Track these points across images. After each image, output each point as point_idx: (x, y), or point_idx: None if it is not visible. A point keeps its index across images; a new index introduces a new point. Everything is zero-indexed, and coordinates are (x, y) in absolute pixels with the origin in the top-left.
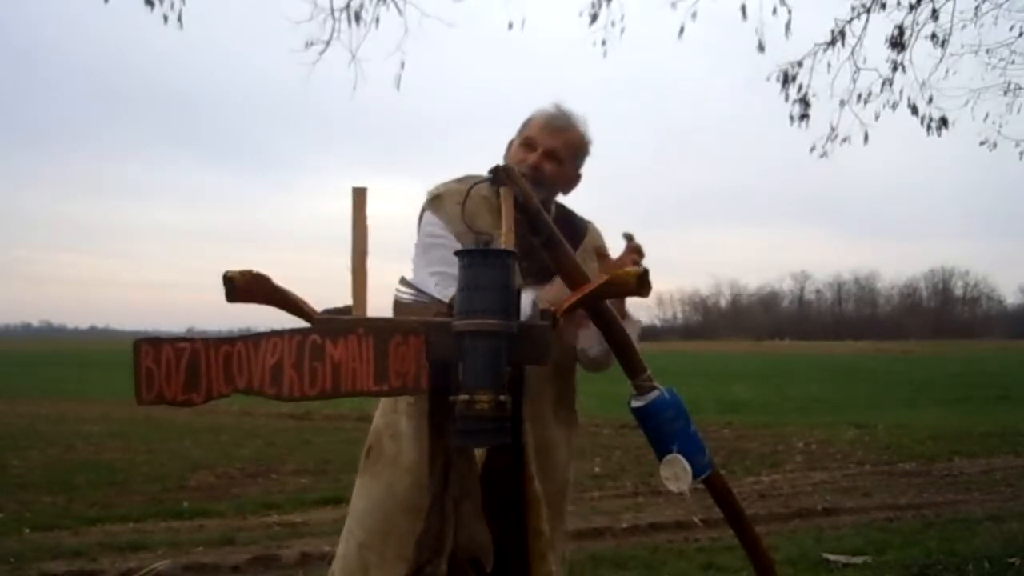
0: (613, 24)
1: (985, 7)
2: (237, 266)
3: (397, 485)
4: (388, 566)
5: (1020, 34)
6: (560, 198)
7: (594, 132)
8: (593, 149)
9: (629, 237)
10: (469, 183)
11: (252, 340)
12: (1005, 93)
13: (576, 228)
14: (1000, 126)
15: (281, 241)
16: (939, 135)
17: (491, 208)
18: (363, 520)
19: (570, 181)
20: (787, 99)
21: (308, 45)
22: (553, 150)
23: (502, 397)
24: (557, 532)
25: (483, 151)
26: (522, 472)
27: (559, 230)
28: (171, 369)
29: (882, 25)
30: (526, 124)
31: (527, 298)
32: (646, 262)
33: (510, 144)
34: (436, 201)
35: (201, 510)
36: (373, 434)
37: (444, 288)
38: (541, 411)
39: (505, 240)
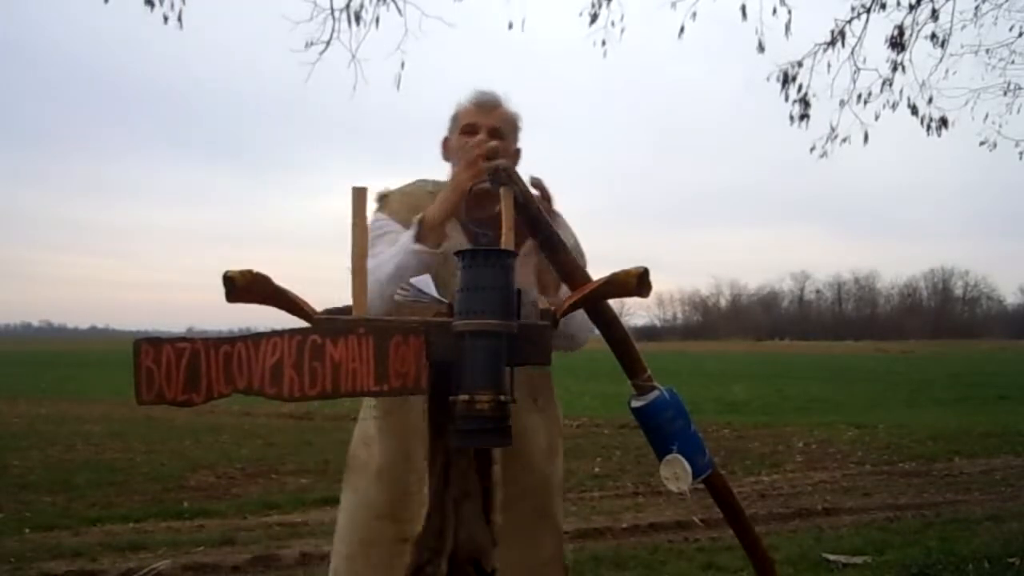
0: (613, 24)
1: (985, 7)
2: (237, 266)
3: (371, 491)
4: (376, 574)
5: (1020, 34)
6: None
7: (599, 130)
8: (522, 124)
9: (536, 183)
10: (416, 186)
11: (252, 340)
12: (1005, 93)
13: None
14: (1000, 126)
15: (281, 241)
16: (939, 135)
17: (433, 201)
18: (344, 535)
19: (515, 156)
20: (787, 99)
21: (308, 45)
22: (494, 128)
23: (502, 397)
24: (543, 530)
25: None
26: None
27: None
28: (171, 369)
29: (882, 25)
30: (455, 115)
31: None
32: (645, 262)
33: (445, 142)
34: (382, 200)
35: (201, 510)
36: (351, 449)
37: (375, 271)
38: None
39: (505, 240)
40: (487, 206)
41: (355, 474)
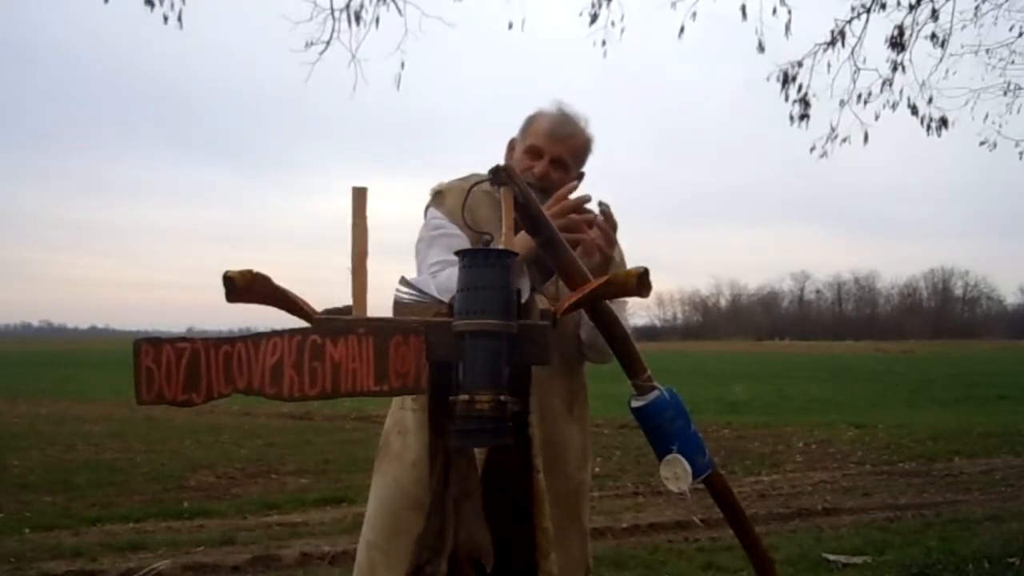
0: (613, 24)
1: (985, 7)
2: (237, 266)
3: (403, 480)
4: (394, 564)
5: (1020, 34)
6: None
7: (594, 132)
8: (595, 146)
9: (605, 210)
10: (471, 181)
11: (252, 340)
12: (1005, 93)
13: None
14: (1000, 126)
15: (281, 241)
16: (939, 135)
17: (492, 203)
18: (372, 520)
19: (578, 180)
20: (787, 99)
21: (308, 45)
22: (559, 158)
23: (502, 397)
24: (571, 533)
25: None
26: (528, 467)
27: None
28: (171, 369)
29: (882, 25)
30: (528, 127)
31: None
32: (645, 262)
33: (511, 144)
34: (438, 197)
35: (201, 510)
36: (384, 434)
37: (438, 274)
38: (550, 406)
39: (505, 240)
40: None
41: (388, 460)
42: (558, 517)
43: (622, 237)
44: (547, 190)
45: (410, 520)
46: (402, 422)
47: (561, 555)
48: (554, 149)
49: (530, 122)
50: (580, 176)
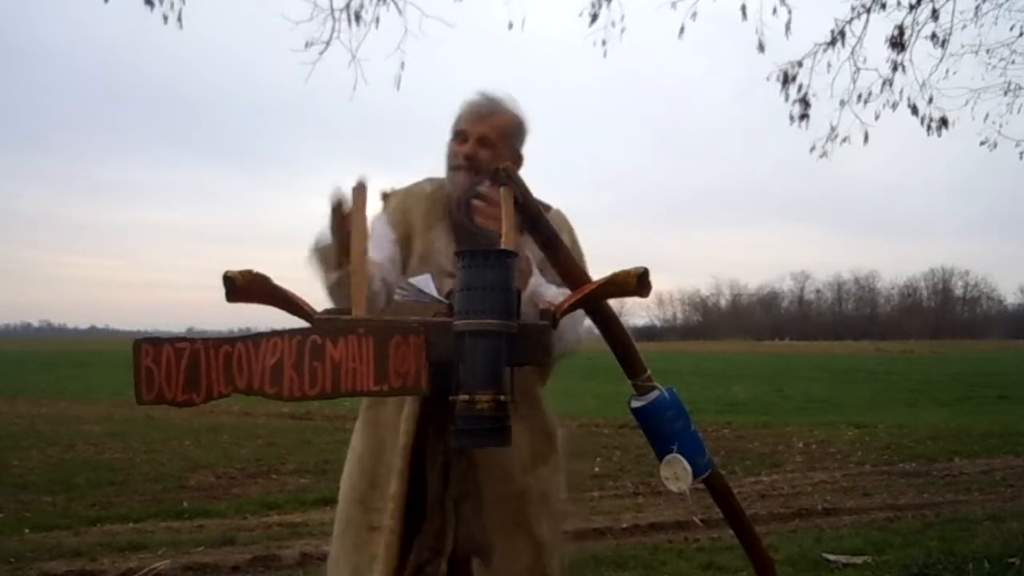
0: (613, 24)
1: (985, 7)
2: (237, 266)
3: (352, 476)
4: (347, 557)
5: (1020, 34)
6: None
7: (599, 130)
8: (528, 126)
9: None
10: (421, 185)
11: (252, 340)
12: (1005, 93)
13: None
14: (1000, 126)
15: (281, 241)
16: (939, 135)
17: (429, 204)
18: (336, 517)
19: (517, 161)
20: (787, 99)
21: (308, 45)
22: (484, 136)
23: (502, 397)
24: (518, 540)
25: None
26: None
27: None
28: (171, 369)
29: (882, 25)
30: (455, 119)
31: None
32: (645, 262)
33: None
34: (384, 201)
35: (201, 510)
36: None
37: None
38: None
39: (505, 240)
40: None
41: (348, 460)
42: (501, 522)
43: (623, 235)
44: (477, 169)
45: (354, 514)
46: (358, 423)
47: (504, 563)
48: (476, 128)
49: (457, 114)
50: (519, 159)
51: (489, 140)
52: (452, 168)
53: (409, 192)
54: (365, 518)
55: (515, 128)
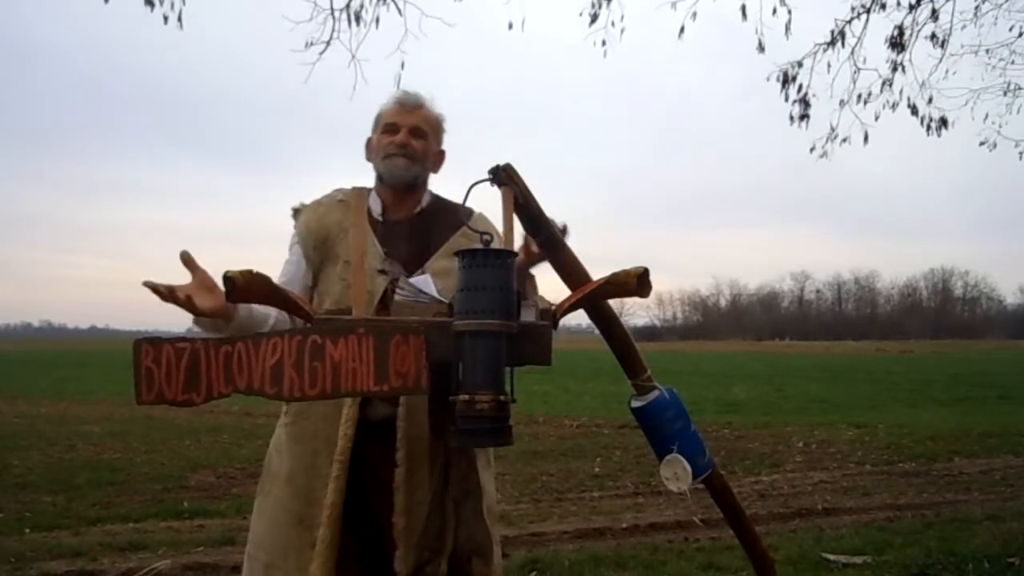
0: (613, 24)
1: (985, 7)
2: (237, 266)
3: (283, 498)
4: None
5: (1020, 34)
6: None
7: (599, 130)
8: (447, 125)
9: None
10: (332, 195)
11: (252, 340)
12: (1005, 93)
13: (456, 215)
14: (1000, 126)
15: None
16: (939, 135)
17: (343, 211)
18: (263, 541)
19: (437, 158)
20: (787, 99)
21: (308, 45)
22: (415, 127)
23: (502, 397)
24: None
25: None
26: (390, 461)
27: (434, 218)
28: (171, 369)
29: (882, 25)
30: (378, 117)
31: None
32: (645, 262)
33: (368, 142)
34: (296, 215)
35: (201, 510)
36: (267, 454)
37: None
38: (419, 402)
39: (505, 240)
40: (406, 205)
41: (270, 480)
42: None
43: (623, 235)
44: (412, 157)
45: (296, 536)
46: (278, 440)
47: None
48: (408, 119)
49: (378, 114)
50: (442, 154)
51: (421, 131)
52: (387, 156)
53: (319, 203)
54: (307, 536)
55: (440, 123)
